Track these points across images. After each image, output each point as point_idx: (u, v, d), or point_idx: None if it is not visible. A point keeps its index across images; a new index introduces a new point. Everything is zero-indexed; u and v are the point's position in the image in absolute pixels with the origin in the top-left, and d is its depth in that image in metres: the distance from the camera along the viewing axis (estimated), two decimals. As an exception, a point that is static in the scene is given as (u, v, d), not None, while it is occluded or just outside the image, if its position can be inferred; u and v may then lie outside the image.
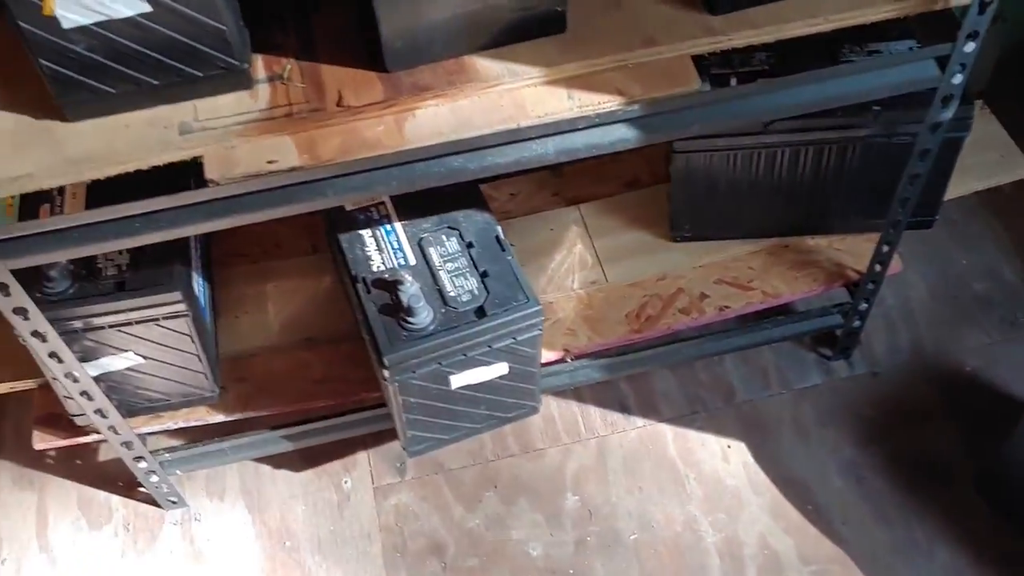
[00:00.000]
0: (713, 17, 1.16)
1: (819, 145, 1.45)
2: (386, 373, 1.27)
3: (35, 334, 1.21)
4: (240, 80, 1.10)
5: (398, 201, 1.39)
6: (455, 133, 1.10)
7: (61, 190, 1.32)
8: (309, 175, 1.08)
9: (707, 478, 1.66)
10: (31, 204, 1.31)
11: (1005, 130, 1.78)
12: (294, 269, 1.67)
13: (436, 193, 1.21)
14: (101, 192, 1.26)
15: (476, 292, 1.30)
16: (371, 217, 1.38)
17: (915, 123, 1.40)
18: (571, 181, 1.78)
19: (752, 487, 1.64)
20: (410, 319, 1.26)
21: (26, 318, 1.17)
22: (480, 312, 1.28)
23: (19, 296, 1.13)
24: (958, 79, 1.22)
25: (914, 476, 1.64)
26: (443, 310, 1.28)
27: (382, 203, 1.39)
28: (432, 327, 1.26)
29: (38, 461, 1.71)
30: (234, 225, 1.11)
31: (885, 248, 1.51)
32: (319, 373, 1.55)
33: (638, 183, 1.77)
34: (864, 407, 1.72)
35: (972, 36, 1.17)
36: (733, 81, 1.38)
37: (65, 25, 0.98)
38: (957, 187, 1.60)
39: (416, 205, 1.38)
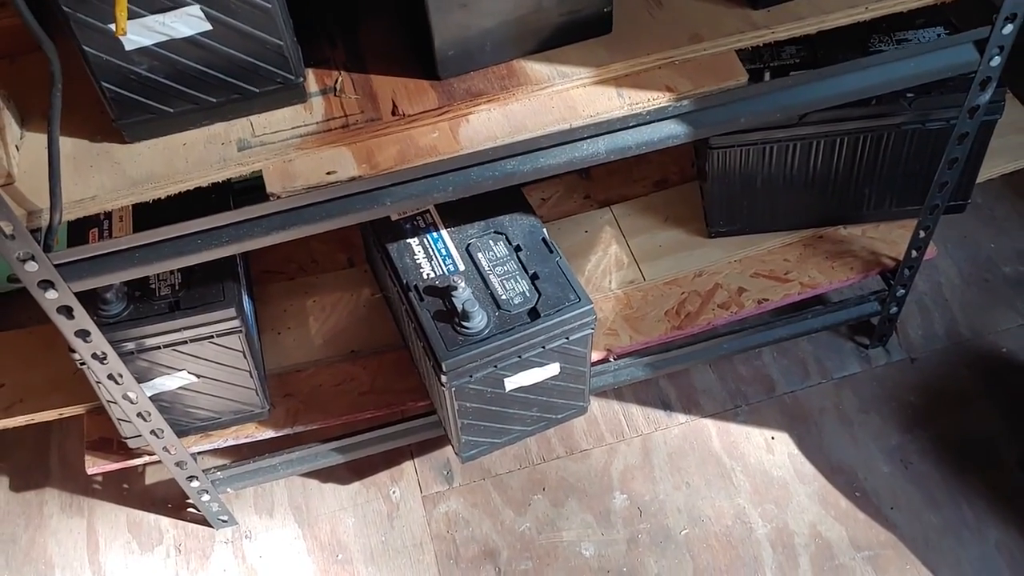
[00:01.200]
0: (755, 11, 1.17)
1: (854, 135, 1.47)
2: (443, 379, 1.27)
3: (95, 356, 1.21)
4: (295, 94, 1.11)
5: (443, 208, 1.40)
6: (509, 136, 1.11)
7: (108, 214, 1.34)
8: (368, 184, 1.09)
9: (753, 470, 1.67)
10: (79, 229, 1.33)
11: (1027, 111, 1.80)
12: (332, 283, 1.68)
13: (480, 198, 1.22)
14: (145, 215, 1.28)
15: (528, 294, 1.31)
16: (417, 226, 1.39)
17: (948, 108, 1.43)
18: (601, 183, 1.79)
19: (799, 477, 1.65)
20: (466, 324, 1.26)
21: (87, 340, 1.18)
22: (534, 313, 1.29)
23: (82, 319, 1.14)
24: (996, 61, 1.24)
25: (960, 459, 1.65)
26: (496, 313, 1.29)
27: (427, 211, 1.40)
28: (487, 331, 1.27)
29: (85, 487, 1.71)
30: (294, 237, 1.12)
31: (922, 233, 1.53)
32: (365, 385, 1.56)
33: (667, 182, 1.79)
34: (905, 393, 1.73)
35: (1010, 18, 1.18)
36: (767, 75, 1.41)
37: (128, 47, 0.99)
38: (982, 171, 1.61)
39: (461, 211, 1.39)
